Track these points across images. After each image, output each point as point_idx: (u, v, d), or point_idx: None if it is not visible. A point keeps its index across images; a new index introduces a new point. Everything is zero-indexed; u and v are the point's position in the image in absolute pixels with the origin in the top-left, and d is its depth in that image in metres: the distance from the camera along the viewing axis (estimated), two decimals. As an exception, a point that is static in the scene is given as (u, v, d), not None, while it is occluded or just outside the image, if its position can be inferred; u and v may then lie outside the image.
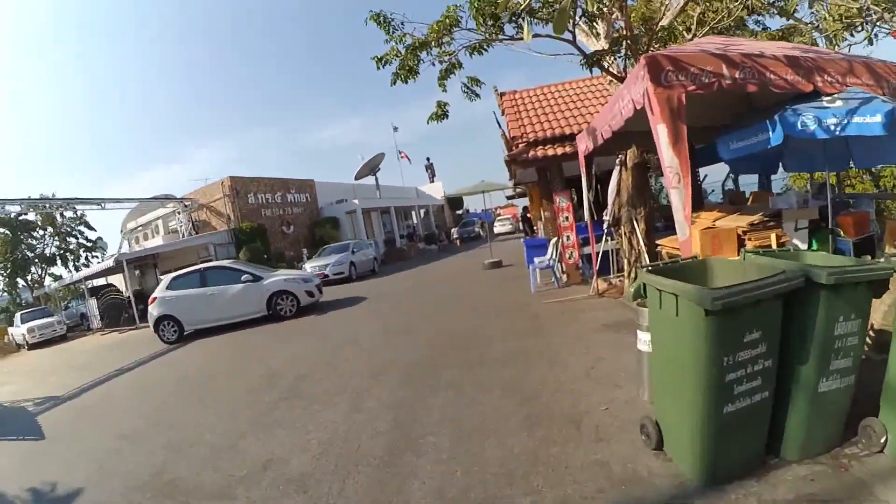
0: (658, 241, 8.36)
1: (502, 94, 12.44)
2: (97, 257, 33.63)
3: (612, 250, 9.96)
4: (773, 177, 14.11)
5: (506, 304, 9.78)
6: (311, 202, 29.85)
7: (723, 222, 7.42)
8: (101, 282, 26.43)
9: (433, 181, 46.08)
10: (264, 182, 26.88)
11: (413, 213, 38.74)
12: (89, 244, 33.89)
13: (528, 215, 20.17)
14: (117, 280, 24.81)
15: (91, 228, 33.90)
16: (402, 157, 41.63)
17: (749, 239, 6.85)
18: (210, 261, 23.34)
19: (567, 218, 10.33)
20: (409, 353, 7.21)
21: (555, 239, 11.51)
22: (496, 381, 5.48)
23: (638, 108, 5.21)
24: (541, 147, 10.19)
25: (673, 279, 3.29)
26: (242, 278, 12.38)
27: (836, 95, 5.43)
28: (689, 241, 4.76)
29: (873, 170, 13.24)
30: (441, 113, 8.93)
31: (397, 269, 22.46)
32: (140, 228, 29.93)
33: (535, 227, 17.77)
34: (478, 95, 8.93)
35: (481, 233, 37.76)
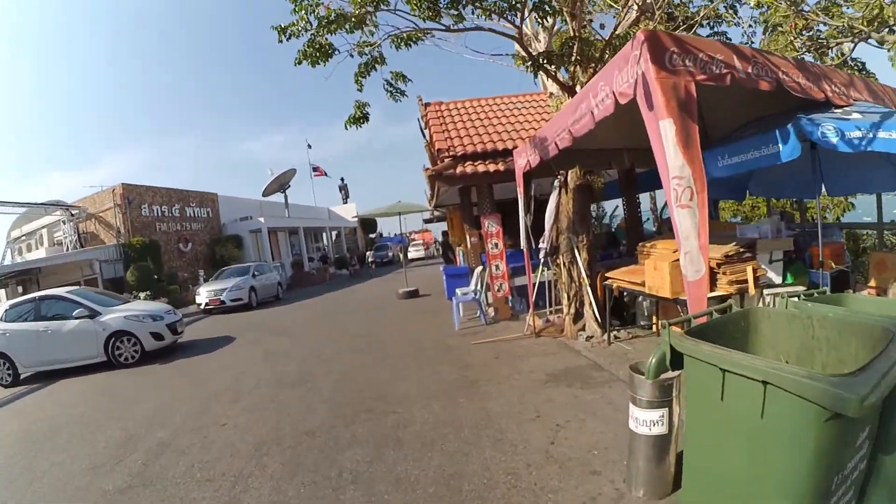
0: (609, 274, 7.12)
1: (427, 105, 11.08)
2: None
3: (548, 282, 8.70)
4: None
5: (426, 344, 8.18)
6: (213, 218, 26.91)
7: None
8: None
9: (346, 202, 43.98)
10: (161, 192, 23.81)
11: (324, 234, 36.45)
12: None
13: (449, 240, 18.78)
14: (1, 296, 20.85)
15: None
16: (316, 173, 39.34)
17: (723, 273, 5.71)
18: (95, 280, 20.38)
19: (496, 244, 8.98)
20: (302, 418, 5.38)
21: (479, 268, 10.14)
22: (422, 473, 3.82)
23: (623, 101, 3.88)
24: (469, 163, 8.85)
25: (711, 342, 1.89)
26: (75, 313, 9.83)
27: (849, 108, 4.40)
28: (704, 284, 3.40)
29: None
30: (360, 115, 7.32)
31: (304, 296, 20.29)
32: (24, 238, 25.65)
33: (454, 254, 16.36)
34: (403, 94, 7.42)
35: (395, 257, 36.19)
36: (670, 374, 3.21)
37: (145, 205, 22.69)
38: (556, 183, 8.05)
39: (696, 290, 3.35)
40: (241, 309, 17.47)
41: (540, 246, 8.16)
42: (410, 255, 37.05)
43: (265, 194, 31.44)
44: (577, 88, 7.56)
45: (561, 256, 8.23)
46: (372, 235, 45.68)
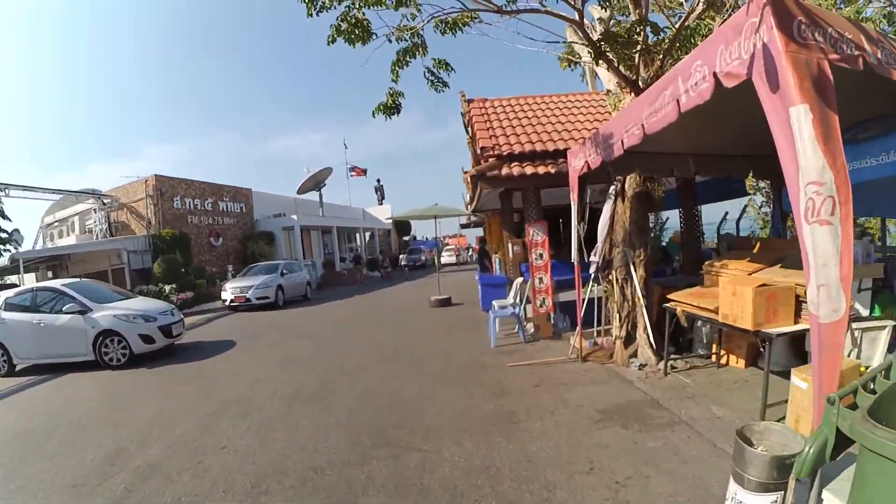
0: (672, 296, 6.23)
1: (470, 101, 10.34)
2: (9, 251, 28.99)
3: (597, 299, 7.83)
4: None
5: (459, 362, 7.39)
6: (247, 213, 26.69)
7: (771, 276, 5.38)
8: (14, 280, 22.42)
9: (381, 204, 43.56)
10: (195, 185, 23.65)
11: (357, 235, 36.05)
12: (3, 236, 29.26)
13: (486, 247, 17.83)
14: (31, 280, 21.04)
15: (6, 218, 29.28)
16: (353, 173, 39.03)
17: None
18: (122, 270, 20.26)
19: (541, 255, 8.14)
20: (313, 447, 4.64)
21: (520, 279, 9.31)
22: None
23: (730, 83, 3.03)
24: (516, 164, 8.06)
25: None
26: (66, 307, 9.36)
27: None
28: (843, 328, 2.51)
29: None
30: (392, 104, 6.62)
31: (334, 297, 19.77)
32: (56, 224, 25.90)
33: (490, 262, 15.54)
34: (445, 85, 6.70)
35: (429, 261, 35.58)
36: (790, 445, 2.39)
37: (178, 197, 22.47)
38: (612, 190, 7.19)
39: (831, 336, 2.47)
40: (268, 308, 17.01)
41: (591, 259, 7.31)
42: (443, 261, 36.44)
43: (300, 192, 31.16)
44: (640, 84, 6.69)
45: (614, 272, 7.36)
46: (406, 238, 45.19)
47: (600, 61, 6.37)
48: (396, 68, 6.56)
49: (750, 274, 5.83)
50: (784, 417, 4.09)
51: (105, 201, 22.46)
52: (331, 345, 9.49)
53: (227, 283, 18.53)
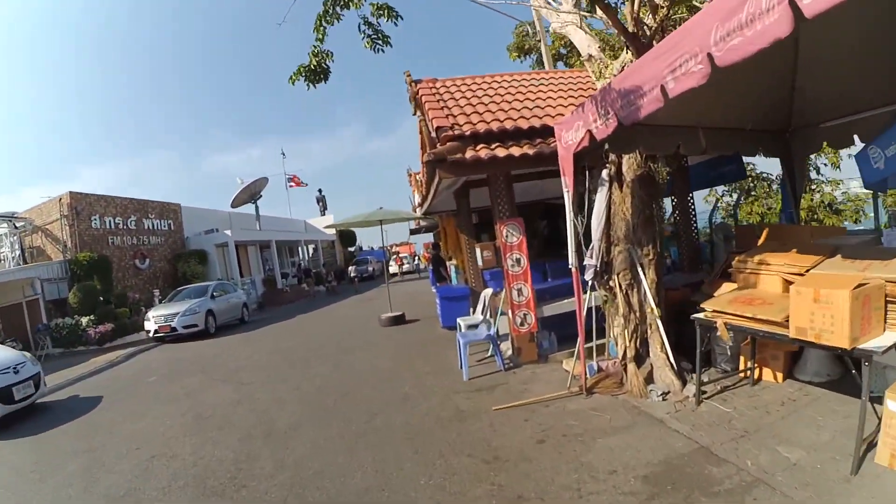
0: (708, 305, 4.70)
1: (416, 82, 8.52)
2: None
3: (589, 309, 6.24)
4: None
5: (425, 410, 5.56)
6: (176, 231, 23.88)
7: (840, 272, 3.96)
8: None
9: (324, 214, 41.09)
10: (115, 203, 20.77)
11: (300, 248, 33.63)
12: None
13: (441, 254, 15.48)
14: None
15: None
16: (292, 183, 36.60)
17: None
18: (36, 301, 17.36)
19: (519, 261, 6.47)
20: None
21: (488, 291, 7.65)
22: None
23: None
24: (483, 146, 6.37)
25: None
26: None
27: None
28: None
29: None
30: (317, 67, 4.85)
31: (274, 318, 17.60)
32: None
33: (447, 270, 13.73)
34: (387, 41, 4.93)
35: (376, 271, 33.57)
36: None
37: (96, 216, 19.65)
38: (605, 174, 5.61)
39: None
40: (197, 336, 14.68)
41: (586, 262, 5.70)
42: (392, 270, 34.44)
43: (235, 205, 28.57)
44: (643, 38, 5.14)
45: (615, 277, 5.78)
46: (351, 249, 42.89)
47: (596, 8, 4.77)
48: (323, 23, 4.80)
49: (807, 270, 4.36)
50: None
51: (17, 224, 19.38)
52: (259, 389, 7.41)
53: (151, 311, 16.05)
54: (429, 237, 30.07)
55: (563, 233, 10.60)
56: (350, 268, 32.47)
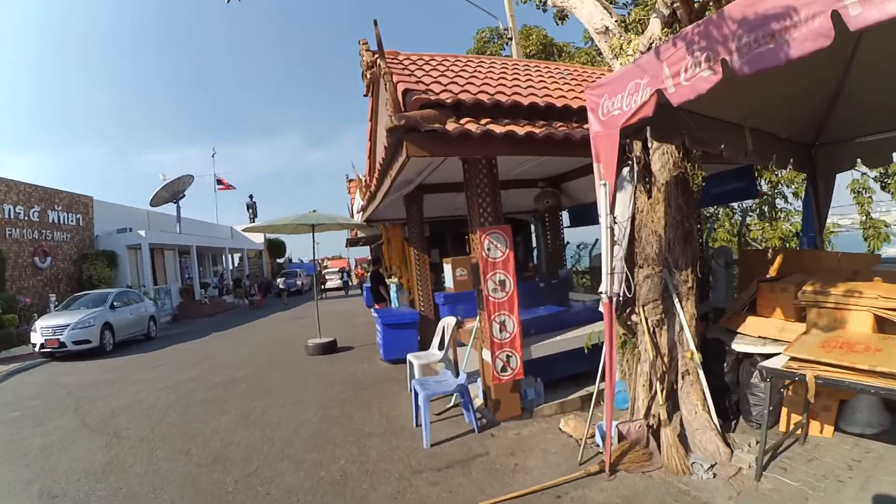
0: (793, 353, 3.17)
1: (375, 52, 6.22)
2: None
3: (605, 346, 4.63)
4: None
5: (375, 502, 3.70)
6: (85, 227, 20.42)
7: None
8: None
9: (254, 222, 37.90)
10: (16, 188, 17.22)
11: (224, 256, 30.53)
12: None
13: (381, 270, 12.71)
14: None
15: None
16: (221, 186, 33.46)
17: None
18: None
19: (504, 283, 4.73)
20: None
21: (450, 320, 5.93)
22: None
23: None
24: (469, 120, 4.53)
25: None
26: None
27: None
28: None
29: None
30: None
31: (186, 335, 15.02)
32: None
33: (387, 291, 11.56)
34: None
35: (305, 286, 30.88)
36: None
37: (-8, 203, 16.30)
38: (628, 174, 3.99)
39: None
40: (89, 355, 11.95)
41: (605, 291, 4.04)
42: (326, 286, 31.85)
43: (154, 203, 25.34)
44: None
45: (641, 310, 4.16)
46: (280, 260, 39.77)
47: None
48: None
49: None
50: None
51: None
52: (136, 450, 5.13)
53: (39, 321, 13.08)
54: (365, 251, 27.72)
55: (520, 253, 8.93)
56: (279, 280, 29.84)
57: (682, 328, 4.12)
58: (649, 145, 4.18)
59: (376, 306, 10.98)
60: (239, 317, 19.55)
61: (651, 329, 4.11)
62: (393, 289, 11.26)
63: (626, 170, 4.01)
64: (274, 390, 7.09)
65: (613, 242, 3.40)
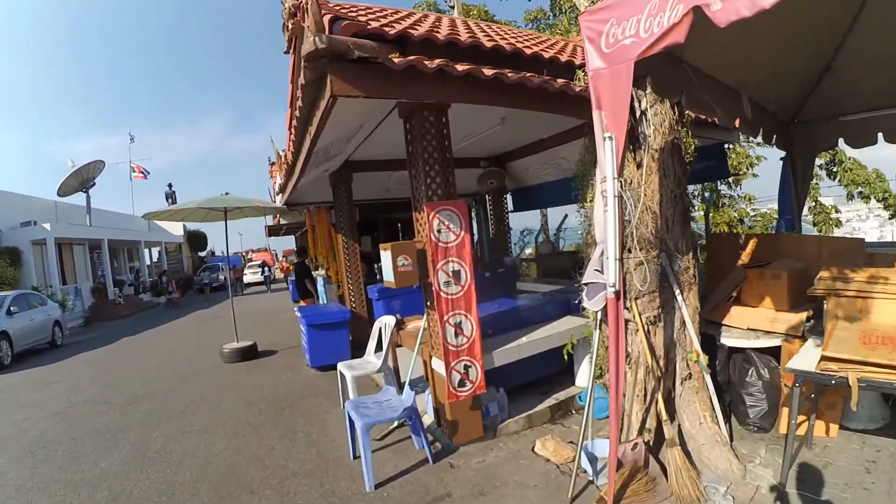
0: (829, 353, 2.32)
1: None
2: None
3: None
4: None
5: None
6: (-16, 222, 17.67)
7: None
8: None
9: (168, 212, 34.51)
10: None
11: (140, 250, 27.71)
12: None
13: (307, 262, 10.50)
14: None
15: None
16: (136, 174, 30.39)
17: None
18: None
19: (459, 275, 3.71)
20: None
21: (387, 320, 4.91)
22: None
23: None
24: (419, 56, 3.30)
25: None
26: None
27: None
28: None
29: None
30: None
31: (95, 340, 13.01)
32: None
33: (314, 285, 10.18)
34: None
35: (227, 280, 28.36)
36: None
37: None
38: (607, 137, 3.06)
39: None
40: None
41: (588, 280, 3.09)
42: (247, 280, 29.51)
43: (62, 193, 22.33)
44: None
45: (633, 304, 3.27)
46: (202, 254, 36.74)
47: None
48: None
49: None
50: None
51: None
52: None
53: None
54: (291, 241, 25.59)
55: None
56: (203, 274, 27.48)
57: (683, 324, 3.27)
58: (642, 104, 3.27)
59: (302, 303, 9.67)
60: (155, 318, 17.48)
61: (646, 326, 3.23)
62: (320, 282, 9.90)
63: (606, 134, 3.08)
64: (180, 412, 5.72)
65: (623, 217, 2.43)
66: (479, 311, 3.82)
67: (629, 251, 3.23)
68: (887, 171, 9.75)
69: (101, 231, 22.43)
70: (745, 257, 4.29)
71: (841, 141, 5.11)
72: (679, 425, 3.32)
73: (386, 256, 3.72)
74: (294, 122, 3.73)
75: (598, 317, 3.12)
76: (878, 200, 9.64)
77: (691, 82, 3.00)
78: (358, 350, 5.85)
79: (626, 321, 3.30)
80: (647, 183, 3.22)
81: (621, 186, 2.46)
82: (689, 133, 3.55)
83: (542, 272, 8.40)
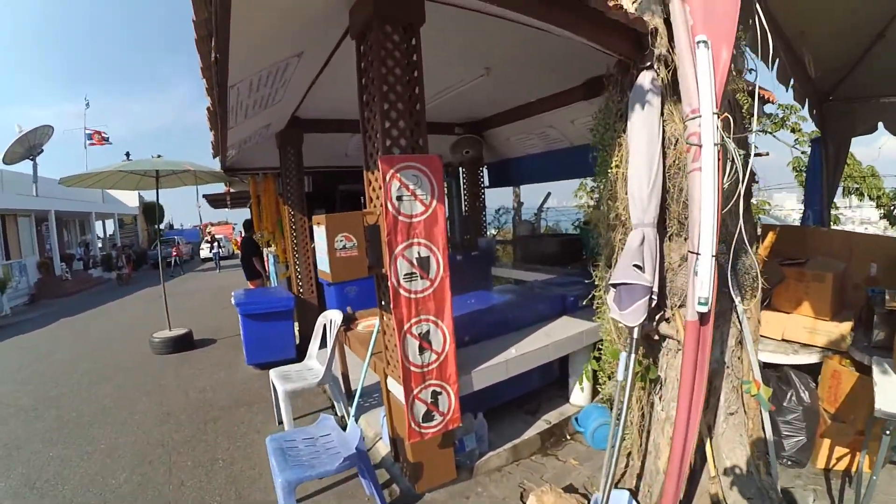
0: None
1: None
2: None
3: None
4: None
5: None
6: (-83, 190, 15.64)
7: None
8: None
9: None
10: None
11: (91, 222, 25.59)
12: None
13: (254, 237, 9.12)
14: None
15: None
16: (92, 141, 28.04)
17: None
18: None
19: (426, 262, 2.63)
20: None
21: (332, 315, 3.81)
22: None
23: None
24: None
25: None
26: None
27: None
28: None
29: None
30: None
31: (35, 321, 11.35)
32: None
33: (263, 263, 8.78)
34: None
35: (185, 254, 26.36)
36: None
37: None
38: (650, 82, 1.99)
39: None
40: None
41: (618, 280, 2.05)
42: (203, 255, 26.62)
43: (7, 161, 20.21)
44: None
45: (676, 315, 2.23)
46: (160, 227, 34.40)
47: None
48: None
49: None
50: None
51: None
52: None
53: None
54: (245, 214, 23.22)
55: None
56: (156, 248, 25.56)
57: (739, 344, 2.27)
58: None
59: (250, 284, 8.43)
60: (101, 295, 15.91)
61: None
62: (271, 261, 8.62)
63: (647, 75, 2.01)
64: (87, 423, 4.50)
65: (738, 186, 1.39)
66: (454, 309, 2.74)
67: (671, 241, 2.21)
68: (886, 170, 9.06)
69: (49, 202, 20.49)
70: (762, 251, 3.39)
71: (881, 125, 4.23)
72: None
73: (320, 234, 2.56)
74: (197, 39, 2.52)
75: (635, 335, 2.09)
76: (870, 199, 9.01)
77: (758, 18, 1.99)
78: (307, 343, 4.73)
79: (664, 336, 2.29)
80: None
81: (724, 130, 1.40)
82: (745, 90, 2.50)
83: (521, 257, 7.36)
